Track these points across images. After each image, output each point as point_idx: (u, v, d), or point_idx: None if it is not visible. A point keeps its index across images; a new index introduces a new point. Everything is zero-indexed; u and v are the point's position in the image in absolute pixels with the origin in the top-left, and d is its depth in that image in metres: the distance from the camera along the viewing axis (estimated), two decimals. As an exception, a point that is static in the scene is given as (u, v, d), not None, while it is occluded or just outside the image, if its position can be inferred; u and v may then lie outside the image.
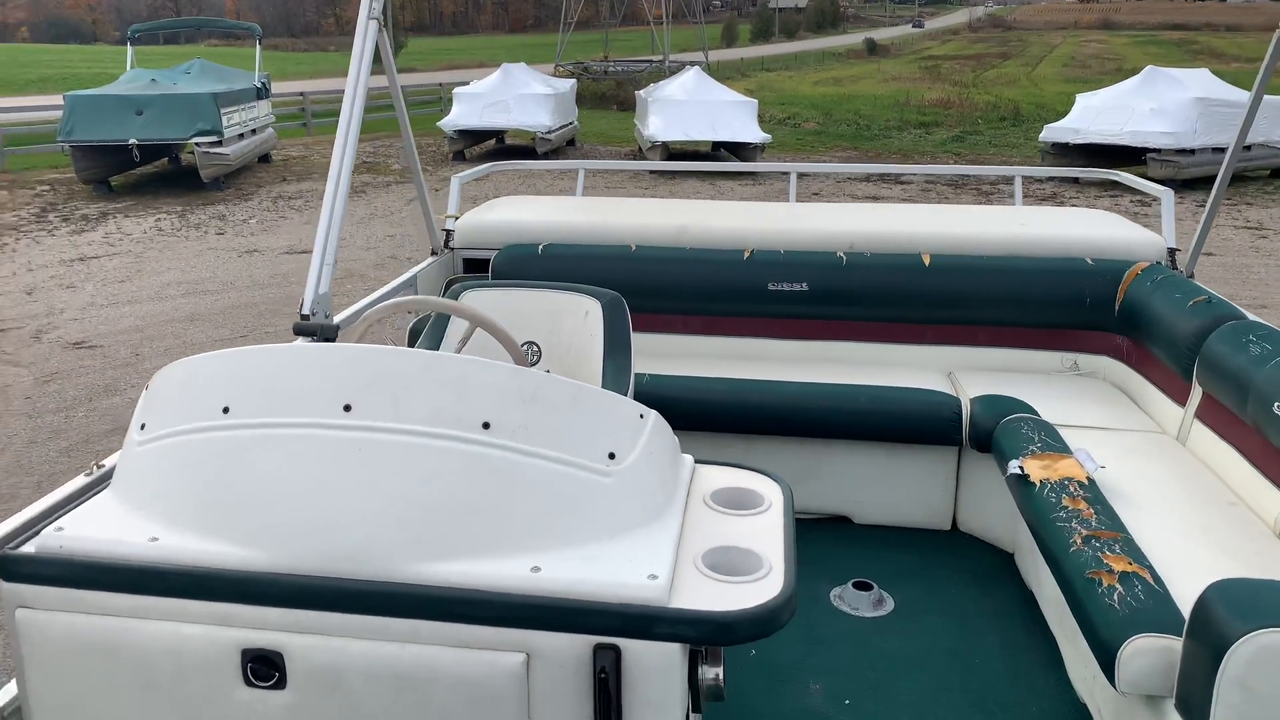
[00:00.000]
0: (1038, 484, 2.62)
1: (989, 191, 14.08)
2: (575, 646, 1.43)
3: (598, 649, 1.42)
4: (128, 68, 15.97)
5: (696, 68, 19.74)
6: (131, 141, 13.42)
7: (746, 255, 3.74)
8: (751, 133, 16.79)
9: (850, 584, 2.95)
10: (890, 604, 2.91)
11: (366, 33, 2.77)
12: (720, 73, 30.19)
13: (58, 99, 15.32)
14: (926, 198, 13.71)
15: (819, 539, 3.27)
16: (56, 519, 1.59)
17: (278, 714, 1.48)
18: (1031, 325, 3.61)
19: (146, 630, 1.48)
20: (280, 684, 1.47)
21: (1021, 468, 2.72)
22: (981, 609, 2.89)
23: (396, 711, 1.46)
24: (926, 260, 3.63)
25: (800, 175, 4.70)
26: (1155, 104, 14.46)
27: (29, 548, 1.55)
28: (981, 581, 3.04)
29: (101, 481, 1.79)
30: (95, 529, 1.54)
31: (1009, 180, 14.33)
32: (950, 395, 3.26)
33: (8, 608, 1.53)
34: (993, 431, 3.07)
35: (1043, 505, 2.54)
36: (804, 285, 3.65)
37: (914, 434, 3.22)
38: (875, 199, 13.43)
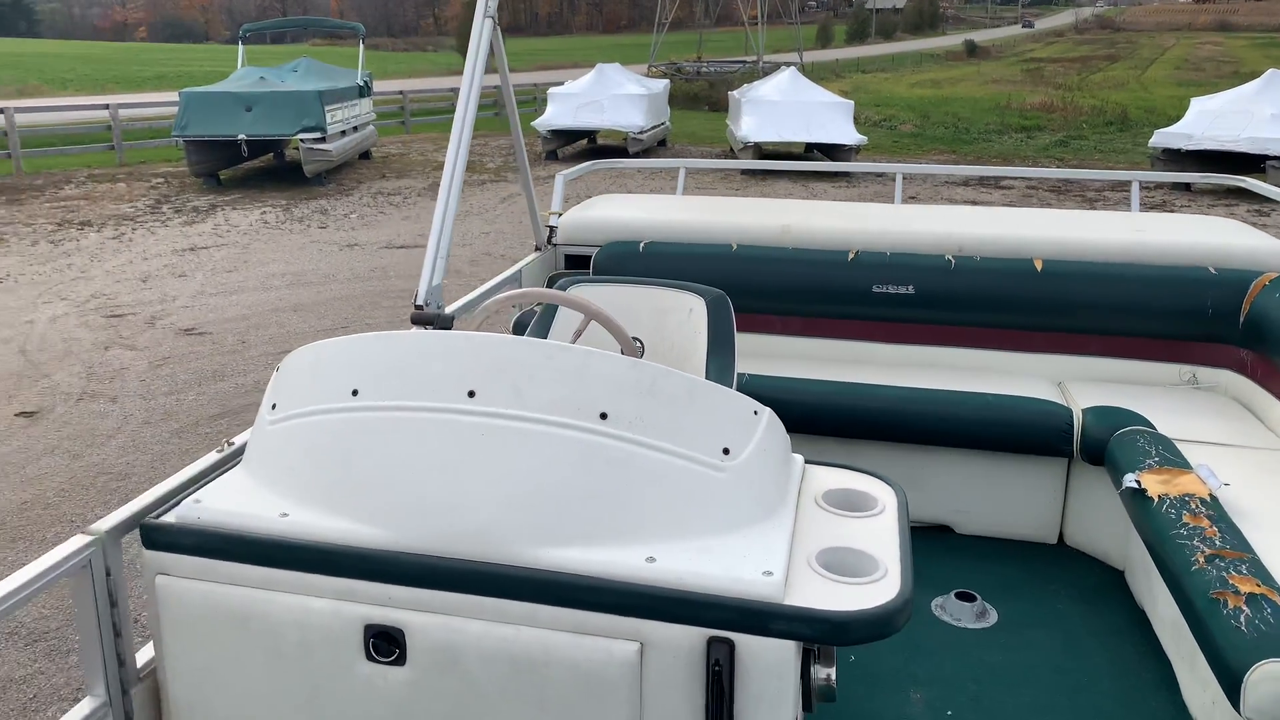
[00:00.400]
0: (1156, 499, 2.53)
1: (1094, 199, 13.62)
2: (689, 638, 1.43)
3: (712, 642, 1.42)
4: (239, 66, 16.54)
5: (792, 68, 19.53)
6: (240, 137, 13.89)
7: (851, 256, 3.69)
8: (847, 134, 16.50)
9: (953, 594, 2.88)
10: (993, 616, 2.83)
11: (482, 31, 2.82)
12: (815, 74, 29.87)
13: (171, 95, 15.95)
14: (1028, 204, 13.33)
15: (920, 547, 3.21)
16: (193, 492, 1.66)
17: (397, 689, 1.52)
18: (1148, 335, 3.48)
19: (275, 602, 1.54)
20: (400, 660, 1.51)
21: (1138, 482, 2.62)
22: (1089, 626, 2.80)
23: (511, 692, 1.48)
24: (1039, 266, 3.53)
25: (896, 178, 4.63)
26: (1276, 109, 13.80)
27: (169, 518, 1.62)
28: (1089, 598, 2.95)
29: (233, 458, 1.86)
30: (230, 503, 1.60)
31: (1115, 188, 13.92)
32: (1061, 405, 3.16)
33: (148, 574, 1.61)
34: (1105, 444, 2.96)
35: (1161, 522, 2.44)
36: (910, 288, 3.59)
37: (1022, 444, 3.13)
38: (974, 204, 13.11)
